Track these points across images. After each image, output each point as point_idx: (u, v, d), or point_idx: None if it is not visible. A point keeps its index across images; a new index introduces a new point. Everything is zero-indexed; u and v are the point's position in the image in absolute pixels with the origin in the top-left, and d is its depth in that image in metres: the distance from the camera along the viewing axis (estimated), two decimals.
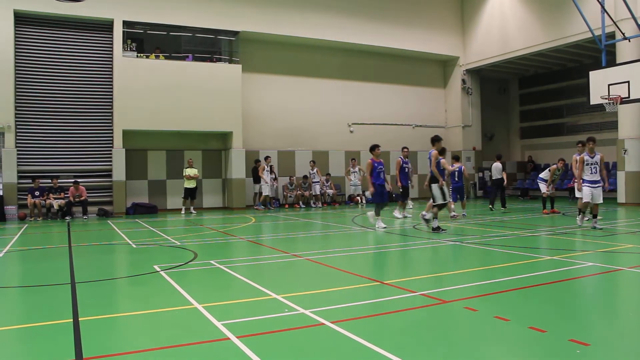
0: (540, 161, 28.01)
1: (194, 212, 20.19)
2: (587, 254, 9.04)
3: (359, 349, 4.31)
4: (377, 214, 13.36)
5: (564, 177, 23.29)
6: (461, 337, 4.74)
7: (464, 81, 26.86)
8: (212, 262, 8.60)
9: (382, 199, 13.39)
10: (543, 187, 16.79)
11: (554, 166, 16.80)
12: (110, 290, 7.11)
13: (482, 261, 8.85)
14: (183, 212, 20.17)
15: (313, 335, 4.75)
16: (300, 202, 22.56)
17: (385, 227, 13.08)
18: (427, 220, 12.58)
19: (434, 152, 12.36)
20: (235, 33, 21.80)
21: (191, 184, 20.26)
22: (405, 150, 16.41)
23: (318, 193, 22.74)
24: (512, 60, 25.06)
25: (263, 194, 21.30)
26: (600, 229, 11.77)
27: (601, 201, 12.12)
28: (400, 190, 16.01)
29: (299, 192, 22.61)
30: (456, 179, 16.22)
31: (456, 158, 16.99)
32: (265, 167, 21.22)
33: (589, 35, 18.14)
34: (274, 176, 21.72)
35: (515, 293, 6.22)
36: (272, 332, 4.81)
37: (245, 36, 22.08)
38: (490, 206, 18.33)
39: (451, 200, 13.09)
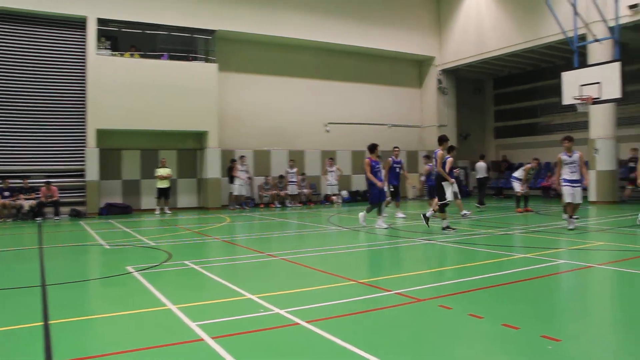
0: (515, 160, 28.30)
1: (168, 212, 19.99)
2: (559, 251, 9.16)
3: (334, 348, 4.31)
4: (379, 213, 13.32)
5: (538, 176, 23.60)
6: (436, 335, 4.77)
7: (439, 81, 27.04)
8: (186, 262, 8.51)
9: (379, 199, 13.29)
10: (517, 185, 16.99)
11: (528, 165, 17.02)
12: (82, 292, 7.00)
13: (456, 259, 8.92)
14: (157, 212, 19.96)
15: (288, 335, 4.73)
16: (276, 202, 22.50)
17: (387, 227, 13.02)
18: (427, 219, 12.33)
19: (440, 152, 12.34)
20: (211, 32, 21.62)
21: (164, 184, 20.08)
22: (397, 149, 16.45)
23: (295, 193, 22.70)
24: (487, 61, 25.28)
25: (233, 193, 21.21)
26: (572, 229, 11.81)
27: (580, 201, 12.10)
28: (391, 189, 16.04)
29: (274, 191, 22.55)
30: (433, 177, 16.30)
31: (429, 157, 17.11)
32: (239, 167, 21.14)
33: (562, 36, 18.42)
34: (248, 175, 21.66)
35: (489, 291, 6.27)
36: (247, 332, 4.77)
37: (223, 35, 21.93)
38: (479, 205, 18.56)
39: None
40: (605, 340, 4.63)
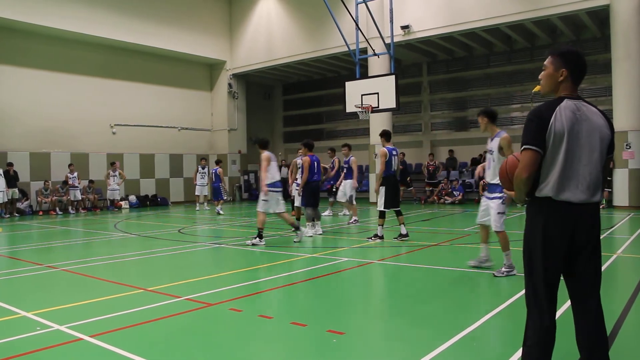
0: None
1: None
2: (343, 250, 9.72)
3: None
4: (313, 218, 11.70)
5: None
6: (226, 338, 4.71)
7: (230, 85, 27.19)
8: None
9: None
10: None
11: None
12: None
13: (246, 262, 8.98)
14: None
15: (70, 352, 4.33)
16: (57, 209, 20.60)
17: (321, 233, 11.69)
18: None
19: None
20: None
21: None
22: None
23: (78, 198, 21.01)
24: (276, 67, 26.06)
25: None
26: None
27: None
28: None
29: (55, 197, 20.62)
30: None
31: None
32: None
33: (346, 49, 19.65)
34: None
35: (279, 291, 6.39)
36: (21, 354, 4.22)
37: None
38: None
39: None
40: (384, 330, 4.98)
